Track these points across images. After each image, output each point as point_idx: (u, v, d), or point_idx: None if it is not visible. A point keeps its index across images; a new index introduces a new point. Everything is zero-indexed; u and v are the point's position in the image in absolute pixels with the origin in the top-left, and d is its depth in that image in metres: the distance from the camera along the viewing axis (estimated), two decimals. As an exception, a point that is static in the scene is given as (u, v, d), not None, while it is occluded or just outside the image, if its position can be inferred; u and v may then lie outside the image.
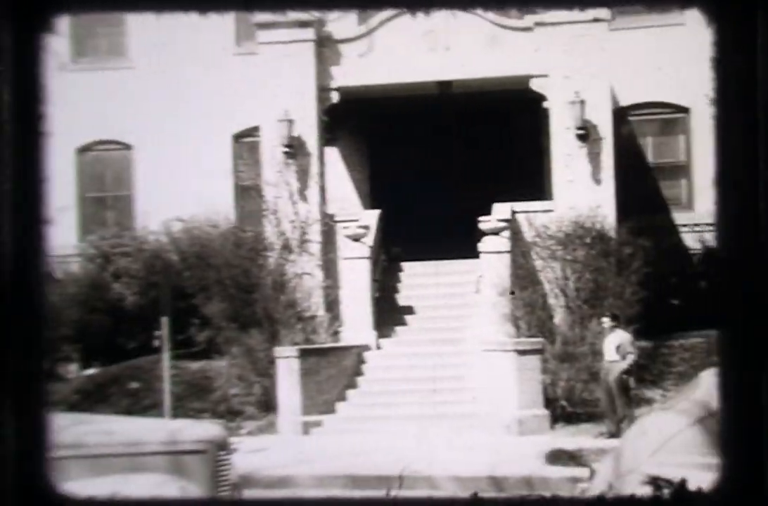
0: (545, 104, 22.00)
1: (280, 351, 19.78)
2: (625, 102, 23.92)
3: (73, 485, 4.97)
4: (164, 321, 18.66)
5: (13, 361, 3.56)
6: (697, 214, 23.72)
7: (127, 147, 26.63)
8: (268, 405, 19.89)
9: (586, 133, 21.53)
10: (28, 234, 3.60)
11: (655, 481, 4.17)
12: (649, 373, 19.64)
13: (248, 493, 10.59)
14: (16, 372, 3.56)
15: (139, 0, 3.77)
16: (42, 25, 3.63)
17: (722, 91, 3.60)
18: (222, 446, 9.69)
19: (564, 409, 18.70)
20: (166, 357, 18.87)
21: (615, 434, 16.51)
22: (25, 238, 3.60)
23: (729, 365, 3.66)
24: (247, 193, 24.86)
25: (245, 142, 25.64)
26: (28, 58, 3.61)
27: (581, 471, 14.09)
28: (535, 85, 21.94)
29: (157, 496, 8.14)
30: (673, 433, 8.13)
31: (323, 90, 22.61)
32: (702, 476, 7.36)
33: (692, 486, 4.10)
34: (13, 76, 3.57)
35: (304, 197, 22.30)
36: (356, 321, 21.25)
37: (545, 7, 4.01)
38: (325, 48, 22.58)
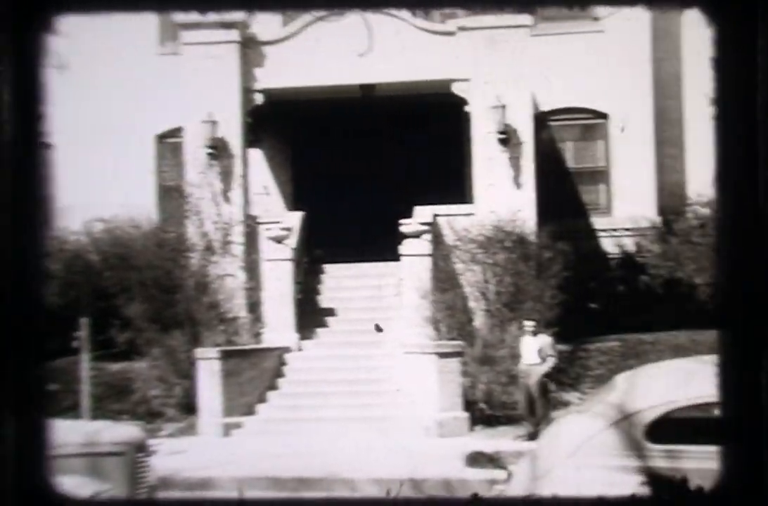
0: (467, 108, 22.12)
1: (201, 352, 19.74)
2: (545, 107, 24.13)
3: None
4: (84, 322, 18.52)
5: (13, 362, 3.56)
6: (615, 219, 24.05)
7: (47, 146, 26.29)
8: (188, 406, 19.83)
9: (507, 138, 21.69)
10: (28, 234, 3.61)
11: (655, 481, 4.24)
12: (566, 376, 19.84)
13: (166, 494, 10.57)
14: (16, 373, 3.56)
15: (139, 0, 3.79)
16: (42, 25, 3.63)
17: (722, 91, 3.63)
18: (141, 448, 9.72)
19: (483, 412, 18.85)
20: (85, 358, 18.73)
21: (534, 436, 16.62)
22: (25, 238, 3.60)
23: (728, 365, 3.68)
24: (170, 194, 24.72)
25: (169, 142, 25.47)
26: (28, 58, 3.62)
27: (499, 474, 14.23)
28: (457, 89, 22.07)
29: (156, 497, 8.11)
30: (589, 436, 8.28)
31: (247, 91, 22.56)
32: (617, 478, 7.52)
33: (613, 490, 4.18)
34: (13, 76, 3.58)
35: (227, 198, 22.25)
36: (278, 323, 21.25)
37: (544, 6, 4.10)
38: (250, 49, 22.55)
